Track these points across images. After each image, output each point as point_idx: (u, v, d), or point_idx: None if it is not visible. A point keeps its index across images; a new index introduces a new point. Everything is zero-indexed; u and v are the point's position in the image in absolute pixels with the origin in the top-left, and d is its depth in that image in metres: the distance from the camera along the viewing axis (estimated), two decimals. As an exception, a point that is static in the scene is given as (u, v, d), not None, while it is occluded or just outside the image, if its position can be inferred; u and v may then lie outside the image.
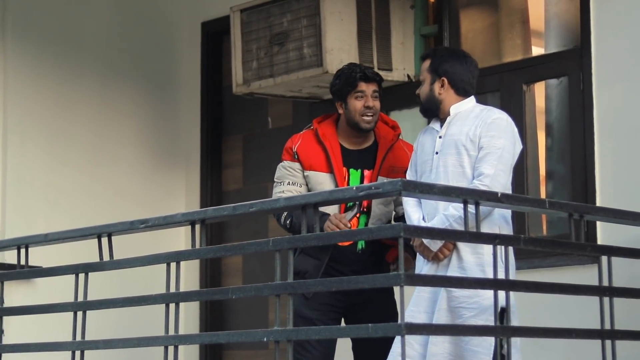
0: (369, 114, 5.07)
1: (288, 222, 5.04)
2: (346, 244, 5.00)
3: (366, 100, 5.06)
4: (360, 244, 5.06)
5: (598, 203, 5.57)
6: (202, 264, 7.59)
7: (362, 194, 3.60)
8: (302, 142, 5.14)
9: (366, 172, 5.13)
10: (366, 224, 5.08)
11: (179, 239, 7.51)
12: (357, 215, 5.05)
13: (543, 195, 6.06)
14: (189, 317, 7.46)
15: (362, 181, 5.11)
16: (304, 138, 5.16)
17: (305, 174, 5.10)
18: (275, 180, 5.19)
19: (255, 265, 7.42)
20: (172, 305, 4.12)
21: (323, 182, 5.06)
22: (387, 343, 5.01)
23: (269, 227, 7.35)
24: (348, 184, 5.07)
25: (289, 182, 5.11)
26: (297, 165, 5.12)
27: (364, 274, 4.71)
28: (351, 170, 5.11)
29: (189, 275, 7.47)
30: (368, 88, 5.08)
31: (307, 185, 5.11)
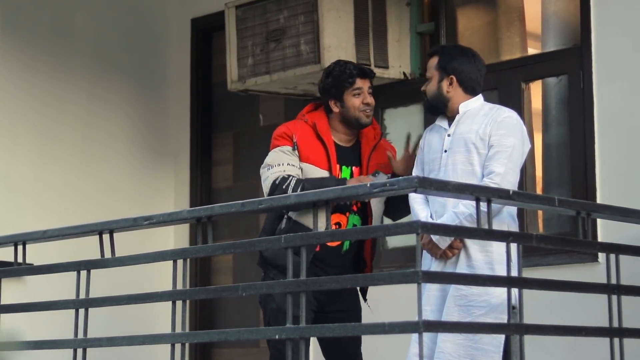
0: (367, 109, 5.06)
1: (299, 188, 4.84)
2: (334, 244, 4.96)
3: (364, 96, 5.05)
4: (346, 245, 5.03)
5: (598, 201, 5.58)
6: (191, 263, 7.54)
7: (377, 190, 3.58)
8: (301, 134, 5.05)
9: (354, 169, 5.10)
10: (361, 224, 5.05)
11: (168, 238, 7.48)
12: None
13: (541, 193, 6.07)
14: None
15: (351, 178, 5.07)
16: (302, 130, 5.07)
17: (300, 165, 5.01)
18: (269, 164, 5.01)
19: (246, 263, 7.37)
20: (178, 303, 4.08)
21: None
22: (353, 345, 5.02)
23: (259, 225, 7.30)
24: None
25: (289, 163, 4.98)
26: (296, 152, 5.01)
27: (346, 274, 4.72)
28: (343, 167, 5.08)
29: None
30: (364, 84, 5.07)
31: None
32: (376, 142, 5.16)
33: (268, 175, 4.99)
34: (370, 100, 5.06)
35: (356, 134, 5.14)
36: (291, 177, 4.90)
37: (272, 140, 5.10)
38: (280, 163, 4.98)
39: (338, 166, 5.05)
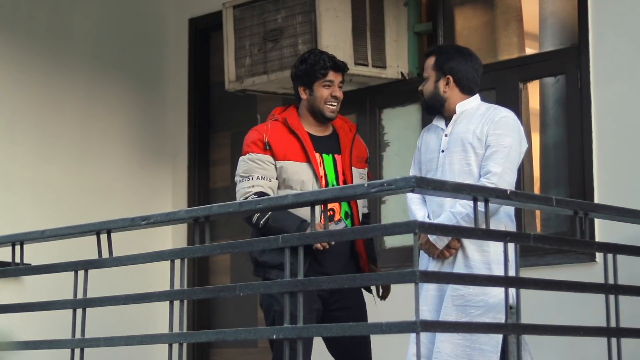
0: (334, 103, 5.09)
1: (262, 222, 4.88)
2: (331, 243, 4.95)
3: (333, 89, 5.08)
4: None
5: (596, 201, 5.58)
6: (189, 263, 7.52)
7: (374, 190, 3.57)
8: (273, 133, 5.03)
9: (337, 157, 5.12)
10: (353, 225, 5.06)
11: (166, 238, 7.47)
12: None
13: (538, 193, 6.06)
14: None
15: (335, 165, 5.09)
16: (274, 128, 5.06)
17: (278, 165, 4.99)
18: (240, 175, 5.03)
19: (243, 263, 7.37)
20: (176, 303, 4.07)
21: (299, 171, 4.99)
22: (361, 342, 5.00)
23: (257, 225, 7.29)
24: (324, 169, 5.05)
25: (259, 176, 4.98)
26: (267, 157, 5.00)
27: (345, 270, 4.80)
28: (324, 155, 5.09)
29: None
30: (336, 78, 5.09)
31: (277, 178, 5.00)
32: (353, 133, 5.19)
33: (238, 189, 5.03)
34: (339, 94, 5.09)
35: (327, 124, 5.16)
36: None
37: (243, 145, 5.10)
38: (250, 176, 5.00)
39: (317, 155, 5.06)
